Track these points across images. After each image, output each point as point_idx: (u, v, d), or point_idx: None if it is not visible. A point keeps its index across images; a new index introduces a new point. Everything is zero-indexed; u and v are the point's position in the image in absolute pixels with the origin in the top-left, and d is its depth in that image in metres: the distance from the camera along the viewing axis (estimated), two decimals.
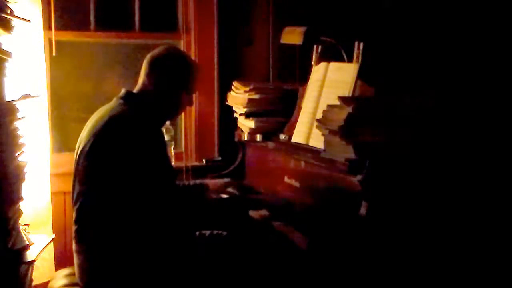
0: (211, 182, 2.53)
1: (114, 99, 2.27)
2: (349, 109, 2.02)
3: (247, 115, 2.83)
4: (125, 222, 2.13)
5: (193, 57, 3.17)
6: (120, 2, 3.25)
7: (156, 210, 2.15)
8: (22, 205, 2.26)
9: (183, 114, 3.20)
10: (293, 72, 3.24)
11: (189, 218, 2.35)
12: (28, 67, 2.67)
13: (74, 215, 2.19)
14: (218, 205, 2.47)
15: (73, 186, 2.21)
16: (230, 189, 2.59)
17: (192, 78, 2.35)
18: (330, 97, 2.36)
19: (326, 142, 2.15)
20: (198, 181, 2.55)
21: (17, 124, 2.21)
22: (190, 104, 2.45)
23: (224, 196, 2.57)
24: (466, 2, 2.79)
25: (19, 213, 2.23)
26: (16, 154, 2.18)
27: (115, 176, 2.10)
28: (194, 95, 2.46)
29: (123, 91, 2.28)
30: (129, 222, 2.13)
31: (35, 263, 2.29)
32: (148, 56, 2.32)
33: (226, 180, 2.58)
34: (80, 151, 2.18)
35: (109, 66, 3.26)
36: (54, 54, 2.89)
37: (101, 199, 2.12)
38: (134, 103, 2.24)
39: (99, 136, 2.13)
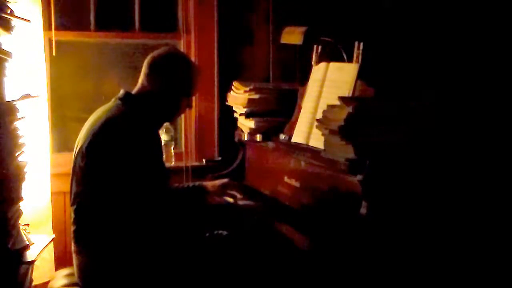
0: (210, 184, 2.51)
1: (113, 100, 2.28)
2: (349, 109, 2.02)
3: (247, 115, 2.83)
4: (123, 222, 2.13)
5: (193, 57, 3.17)
6: (120, 2, 3.25)
7: (150, 211, 2.15)
8: (22, 205, 2.26)
9: (183, 114, 3.20)
10: (293, 72, 3.24)
11: (186, 220, 2.35)
12: (28, 67, 2.67)
13: (72, 215, 2.20)
14: (215, 212, 2.47)
15: (71, 186, 2.21)
16: (232, 192, 2.57)
17: (192, 81, 2.35)
18: (330, 97, 2.36)
19: (326, 142, 2.14)
20: (197, 183, 2.54)
21: (17, 124, 2.20)
22: (189, 106, 2.46)
23: (224, 199, 2.57)
24: (466, 2, 2.79)
25: (19, 213, 2.23)
26: (16, 154, 2.18)
27: (112, 176, 2.11)
28: (193, 98, 2.45)
29: (121, 92, 2.29)
30: (127, 223, 2.13)
31: (35, 263, 2.29)
32: (149, 57, 2.31)
33: (224, 180, 2.55)
34: (78, 152, 2.19)
35: (109, 66, 3.26)
36: (54, 54, 2.89)
37: (98, 200, 2.13)
38: (132, 104, 2.24)
39: (96, 137, 2.13)
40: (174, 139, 3.17)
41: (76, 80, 3.20)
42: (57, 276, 2.37)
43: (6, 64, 2.13)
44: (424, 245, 2.02)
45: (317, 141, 2.36)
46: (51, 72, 3.04)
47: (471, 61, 2.74)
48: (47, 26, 2.90)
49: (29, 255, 2.20)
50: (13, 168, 2.12)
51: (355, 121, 2.01)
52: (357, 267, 1.95)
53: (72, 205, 2.20)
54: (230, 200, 2.53)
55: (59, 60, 3.02)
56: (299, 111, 2.61)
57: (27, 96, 2.30)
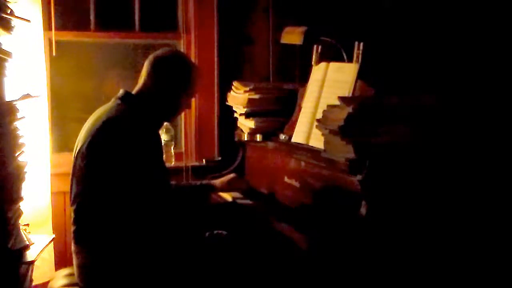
0: (218, 181, 2.53)
1: (112, 100, 2.28)
2: (349, 109, 2.02)
3: (247, 115, 2.83)
4: (123, 222, 2.13)
5: (193, 57, 3.17)
6: (120, 2, 3.25)
7: (151, 210, 2.15)
8: (22, 205, 2.26)
9: (183, 114, 3.20)
10: (293, 72, 3.25)
11: (186, 220, 2.35)
12: (28, 67, 2.67)
13: (72, 215, 2.20)
14: (215, 211, 2.48)
15: (71, 186, 2.21)
16: (236, 194, 2.60)
17: (193, 81, 2.36)
18: (330, 97, 2.36)
19: (326, 142, 2.14)
20: (205, 182, 2.56)
21: (17, 124, 2.20)
22: (189, 107, 2.47)
23: (227, 197, 2.59)
24: (466, 2, 2.79)
25: (19, 213, 2.22)
26: (16, 154, 2.18)
27: (112, 176, 2.11)
28: (192, 98, 2.46)
29: (121, 91, 2.29)
30: (127, 222, 2.13)
31: (35, 263, 2.29)
32: (150, 57, 2.32)
33: (231, 176, 2.58)
34: (78, 152, 2.19)
35: (109, 66, 3.26)
36: (54, 54, 2.89)
37: (98, 200, 2.13)
38: (132, 104, 2.24)
39: (96, 137, 2.13)
40: (174, 139, 3.17)
41: (76, 80, 3.20)
42: (57, 276, 2.37)
43: (6, 64, 2.12)
44: (424, 245, 2.02)
45: (317, 141, 2.36)
46: (51, 72, 3.04)
47: (471, 61, 2.74)
48: (47, 26, 2.90)
49: (29, 255, 2.20)
50: (13, 168, 2.12)
51: (355, 121, 2.01)
52: (357, 266, 1.95)
53: (72, 205, 2.20)
54: (229, 198, 2.54)
55: (59, 60, 3.02)
56: (299, 111, 2.61)
57: (27, 96, 2.30)
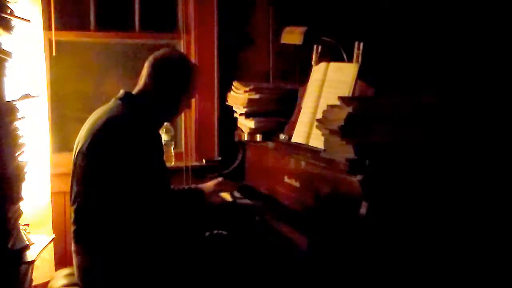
0: (206, 186, 2.45)
1: (112, 100, 2.28)
2: (349, 109, 2.02)
3: (247, 115, 2.83)
4: (123, 222, 2.13)
5: (193, 57, 3.18)
6: (120, 2, 3.25)
7: (151, 210, 2.16)
8: (22, 205, 2.26)
9: (183, 114, 3.20)
10: (293, 72, 3.24)
11: (186, 220, 2.35)
12: (28, 67, 2.67)
13: (72, 215, 2.20)
14: (215, 212, 2.48)
15: (71, 186, 2.22)
16: (235, 193, 2.59)
17: (193, 81, 2.36)
18: (330, 97, 2.36)
19: (326, 142, 2.14)
20: (193, 186, 2.51)
21: (17, 124, 2.20)
22: (189, 107, 2.48)
23: (227, 197, 2.59)
24: (466, 2, 2.79)
25: (19, 213, 2.23)
26: (16, 154, 2.18)
27: (112, 176, 2.11)
28: (192, 98, 2.46)
29: (121, 92, 2.29)
30: (127, 222, 2.13)
31: (35, 263, 2.29)
32: (151, 58, 2.32)
33: (217, 180, 2.50)
34: (78, 152, 2.19)
35: (109, 66, 3.26)
36: (54, 54, 2.89)
37: (98, 200, 2.13)
38: (132, 104, 2.25)
39: (97, 137, 2.14)
40: (174, 139, 3.17)
41: (76, 80, 3.20)
42: (57, 276, 2.37)
43: (6, 64, 2.13)
44: (424, 245, 2.02)
45: (317, 141, 2.36)
46: (51, 72, 3.04)
47: (471, 60, 2.74)
48: (47, 26, 2.90)
49: (29, 255, 2.20)
50: (13, 168, 2.12)
51: (355, 121, 2.01)
52: (357, 266, 1.95)
53: (72, 205, 2.20)
54: (228, 198, 2.53)
55: (59, 60, 3.02)
56: (299, 111, 2.61)
57: (27, 96, 2.30)
